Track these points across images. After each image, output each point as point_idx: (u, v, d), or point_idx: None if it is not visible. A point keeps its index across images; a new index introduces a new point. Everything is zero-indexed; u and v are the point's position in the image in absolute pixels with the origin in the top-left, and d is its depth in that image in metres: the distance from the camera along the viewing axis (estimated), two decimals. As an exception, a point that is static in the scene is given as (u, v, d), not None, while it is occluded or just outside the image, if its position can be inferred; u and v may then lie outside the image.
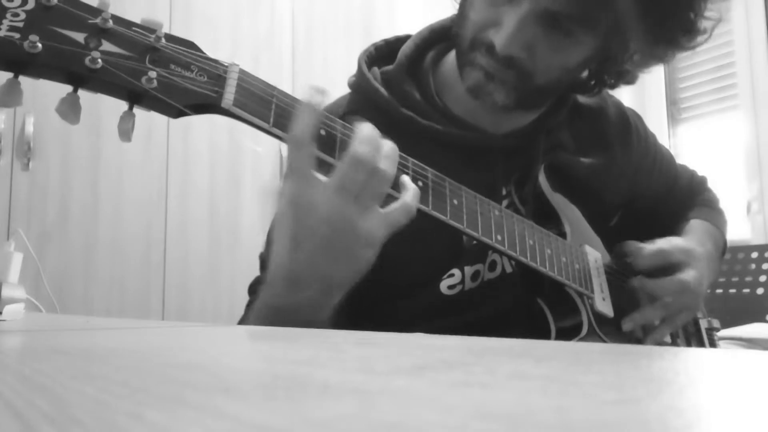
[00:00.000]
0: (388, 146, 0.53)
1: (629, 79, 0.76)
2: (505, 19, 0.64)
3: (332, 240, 0.51)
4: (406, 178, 0.55)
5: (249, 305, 0.76)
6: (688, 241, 0.80)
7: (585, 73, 0.76)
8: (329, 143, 0.53)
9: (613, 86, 0.77)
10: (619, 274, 0.81)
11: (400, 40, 0.81)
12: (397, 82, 0.75)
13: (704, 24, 0.68)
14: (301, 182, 0.50)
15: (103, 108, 1.61)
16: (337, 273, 0.53)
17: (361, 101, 0.76)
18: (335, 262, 0.52)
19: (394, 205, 0.53)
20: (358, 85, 0.77)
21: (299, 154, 0.50)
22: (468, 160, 0.73)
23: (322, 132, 0.53)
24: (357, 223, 0.51)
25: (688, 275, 0.76)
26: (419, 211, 0.57)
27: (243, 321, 0.71)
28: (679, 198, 0.96)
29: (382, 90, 0.74)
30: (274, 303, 0.56)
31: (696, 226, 0.90)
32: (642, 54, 0.71)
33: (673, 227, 0.92)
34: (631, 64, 0.73)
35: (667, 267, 0.76)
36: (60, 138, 1.73)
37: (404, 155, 0.57)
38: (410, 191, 0.54)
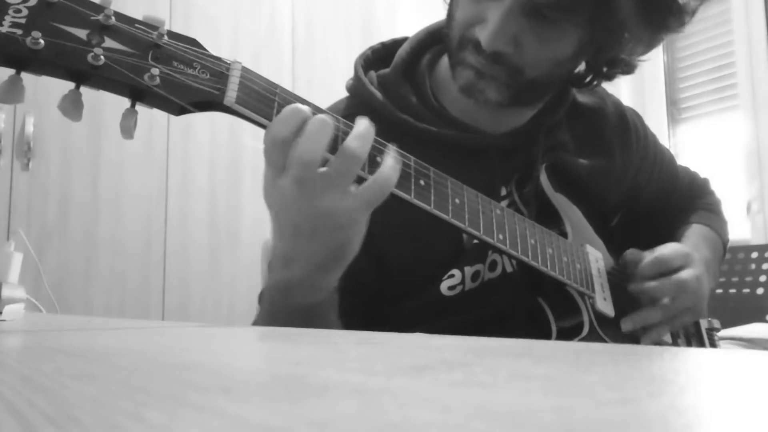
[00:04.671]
0: (362, 126, 0.51)
1: (626, 69, 0.75)
2: (489, 15, 0.64)
3: (301, 221, 0.50)
4: (386, 157, 0.53)
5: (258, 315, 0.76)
6: (684, 246, 0.80)
7: (582, 67, 0.76)
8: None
9: (610, 77, 0.77)
10: (621, 276, 0.81)
11: (397, 43, 0.81)
12: (393, 86, 0.75)
13: (692, 5, 0.68)
14: (272, 171, 0.50)
15: (103, 108, 1.62)
16: (319, 252, 0.52)
17: (358, 105, 0.76)
18: (312, 241, 0.51)
19: (366, 183, 0.51)
20: (355, 89, 0.77)
21: (274, 149, 0.49)
22: (466, 160, 0.73)
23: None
24: (323, 203, 0.49)
25: (686, 274, 0.75)
26: (421, 211, 0.57)
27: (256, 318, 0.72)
28: (680, 199, 0.95)
29: (378, 94, 0.74)
30: (274, 282, 0.57)
31: (694, 231, 0.90)
32: (633, 39, 0.71)
33: (673, 229, 0.92)
34: (626, 52, 0.73)
35: (666, 273, 0.76)
36: (60, 138, 1.73)
37: (406, 154, 0.57)
38: (386, 167, 0.52)
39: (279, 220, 0.52)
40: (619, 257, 0.83)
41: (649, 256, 0.76)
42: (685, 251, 0.78)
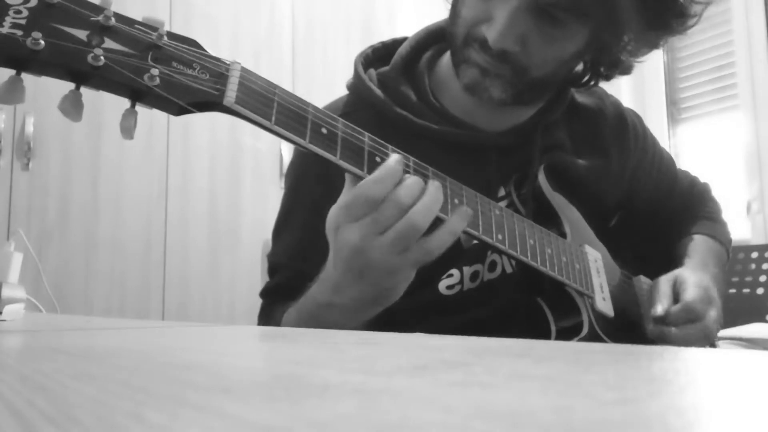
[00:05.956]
0: (430, 197, 0.53)
1: (624, 69, 0.75)
2: (496, 14, 0.64)
3: (354, 266, 0.54)
4: (446, 222, 0.55)
5: (264, 309, 0.77)
6: (696, 274, 0.78)
7: (580, 66, 0.76)
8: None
9: (608, 77, 0.77)
10: (628, 278, 0.81)
11: (396, 42, 0.81)
12: (392, 83, 0.75)
13: (695, 8, 0.68)
14: (343, 216, 0.54)
15: (103, 108, 1.62)
16: (364, 292, 0.56)
17: (358, 102, 0.76)
18: (360, 282, 0.55)
19: (418, 245, 0.53)
20: (355, 86, 0.78)
21: (365, 206, 0.52)
22: (464, 158, 0.73)
23: (324, 129, 0.52)
24: (376, 254, 0.52)
25: (709, 320, 0.73)
26: None
27: (268, 318, 0.73)
28: (679, 201, 0.95)
29: (377, 91, 0.75)
30: (320, 299, 0.61)
31: (699, 244, 0.89)
32: (636, 41, 0.71)
33: (673, 234, 0.91)
34: (626, 53, 0.73)
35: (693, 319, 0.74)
36: (60, 137, 1.73)
37: (405, 154, 0.57)
38: (441, 233, 0.54)
39: (335, 254, 0.56)
40: (618, 258, 0.83)
41: (676, 308, 0.73)
42: (707, 293, 0.75)
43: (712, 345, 0.89)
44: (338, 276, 0.56)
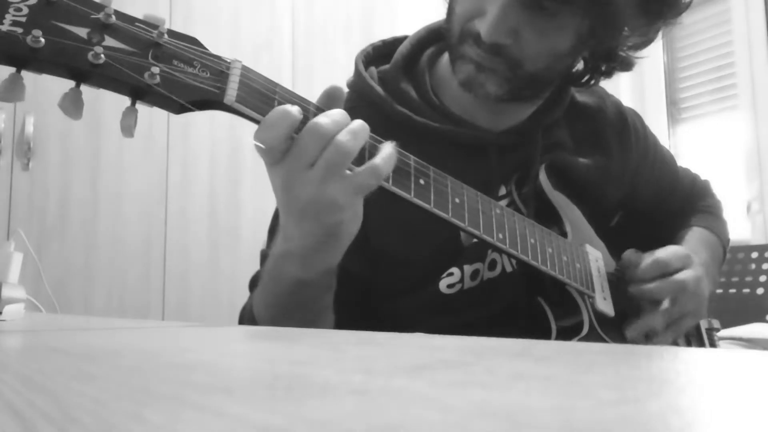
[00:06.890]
0: (357, 123, 0.51)
1: (624, 65, 0.75)
2: (488, 7, 0.64)
3: (290, 204, 0.52)
4: (386, 145, 0.54)
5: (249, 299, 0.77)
6: (683, 248, 0.79)
7: (581, 65, 0.76)
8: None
9: (608, 74, 0.77)
10: (622, 277, 0.81)
11: (397, 41, 0.81)
12: (393, 81, 0.75)
13: None
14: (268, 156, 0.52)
15: (103, 107, 1.62)
16: (310, 232, 0.53)
17: (358, 100, 0.76)
18: (303, 222, 0.52)
19: (359, 168, 0.51)
20: (355, 83, 0.78)
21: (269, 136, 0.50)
22: (464, 156, 0.73)
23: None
24: (309, 188, 0.50)
25: (684, 275, 0.75)
26: (420, 209, 0.57)
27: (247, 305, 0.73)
28: (680, 200, 0.95)
29: (378, 88, 0.75)
30: (274, 251, 0.59)
31: (694, 234, 0.89)
32: (630, 32, 0.71)
33: (673, 231, 0.91)
34: (623, 44, 0.73)
35: (666, 274, 0.76)
36: (60, 137, 1.73)
37: (406, 153, 0.57)
38: (382, 154, 0.52)
39: (277, 199, 0.54)
40: (619, 258, 0.83)
41: (649, 257, 0.75)
42: (684, 253, 0.77)
43: (706, 317, 0.89)
44: (283, 222, 0.54)
